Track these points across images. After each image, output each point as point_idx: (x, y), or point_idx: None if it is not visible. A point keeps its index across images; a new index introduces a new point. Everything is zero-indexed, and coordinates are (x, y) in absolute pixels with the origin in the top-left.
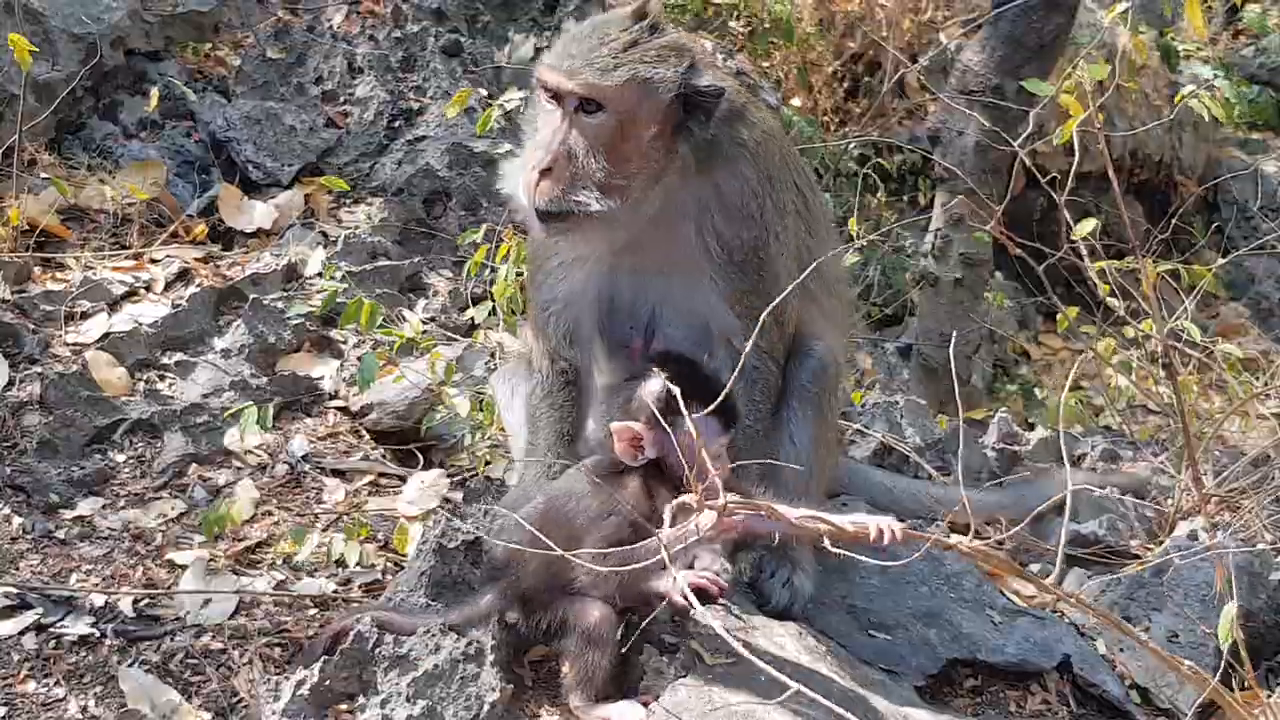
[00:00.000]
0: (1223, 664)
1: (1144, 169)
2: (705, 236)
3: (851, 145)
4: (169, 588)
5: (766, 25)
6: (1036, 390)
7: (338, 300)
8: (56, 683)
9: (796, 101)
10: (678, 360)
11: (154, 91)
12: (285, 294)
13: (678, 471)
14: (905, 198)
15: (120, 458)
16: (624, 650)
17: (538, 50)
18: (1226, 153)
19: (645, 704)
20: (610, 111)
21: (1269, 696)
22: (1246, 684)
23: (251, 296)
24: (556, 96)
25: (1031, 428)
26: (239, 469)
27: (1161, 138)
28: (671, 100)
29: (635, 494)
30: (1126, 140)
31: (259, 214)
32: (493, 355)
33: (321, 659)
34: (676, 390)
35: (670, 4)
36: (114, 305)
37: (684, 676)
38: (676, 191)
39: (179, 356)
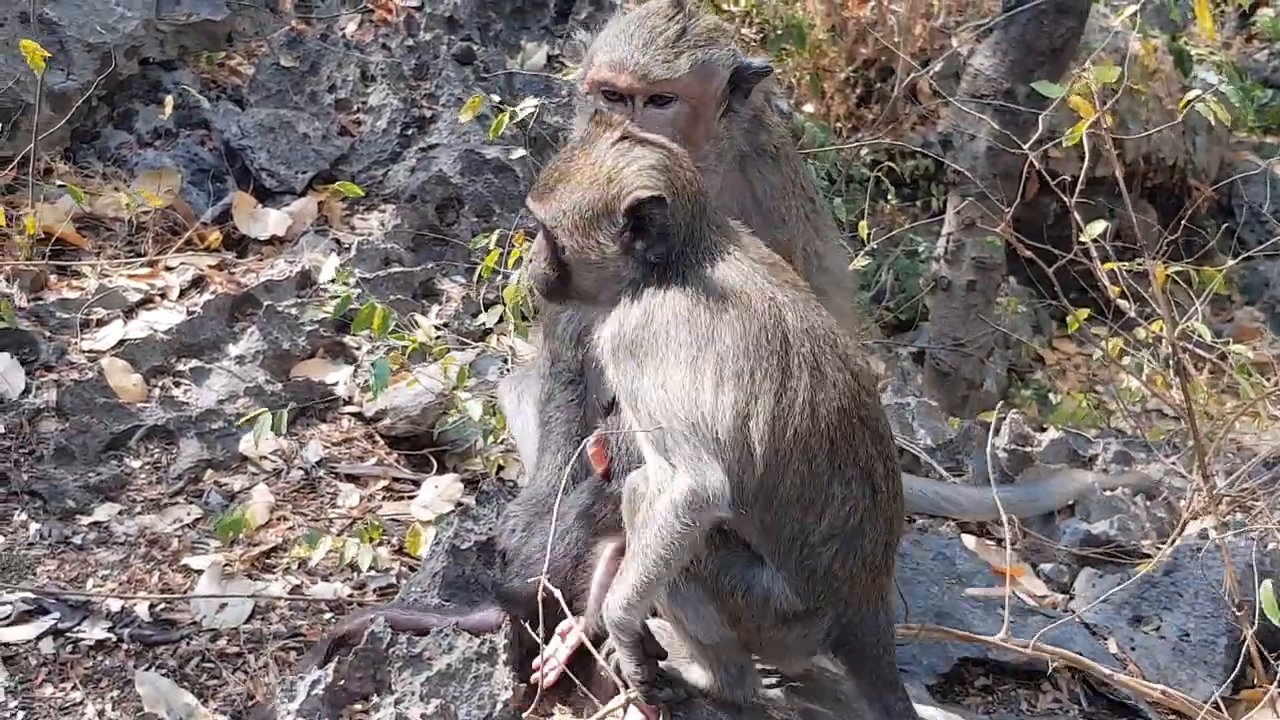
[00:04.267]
0: (1250, 637)
1: (1157, 173)
2: None
3: (864, 150)
4: (185, 592)
5: (779, 31)
6: (1051, 395)
7: (351, 306)
8: (74, 687)
9: (809, 108)
10: None
11: (168, 100)
12: (299, 300)
13: None
14: (918, 203)
15: (136, 464)
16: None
17: (550, 58)
18: (1240, 156)
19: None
20: (681, 99)
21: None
22: (1257, 682)
23: (266, 303)
24: (620, 96)
25: (1044, 431)
26: (254, 474)
27: (1175, 142)
28: (725, 81)
29: None
30: (1140, 144)
31: (273, 221)
32: (505, 360)
33: (335, 658)
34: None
35: None
36: (129, 312)
37: None
38: (719, 194)
39: (194, 363)
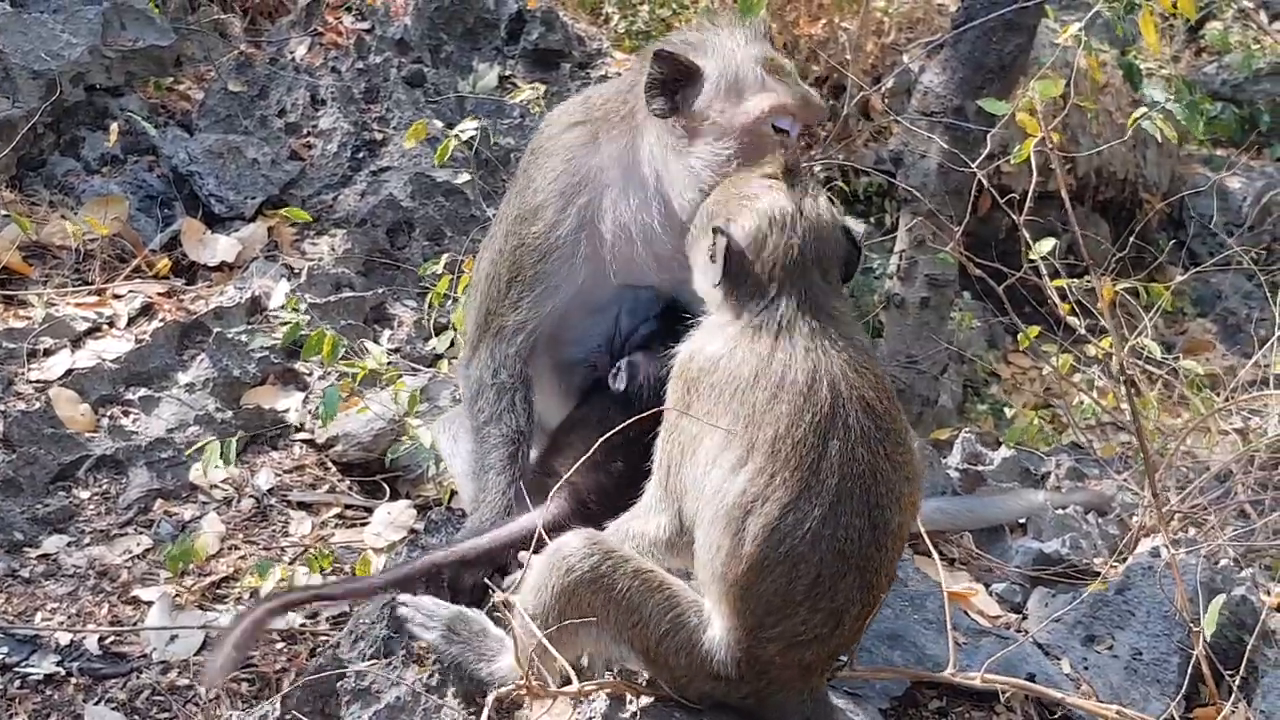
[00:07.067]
0: (1198, 654)
1: (1108, 187)
2: None
3: (816, 167)
4: (135, 624)
5: None
6: (1006, 409)
7: (301, 333)
8: None
9: None
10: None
11: (114, 126)
12: (249, 327)
13: None
14: (871, 219)
15: (85, 494)
16: None
17: (502, 79)
18: (1191, 170)
19: None
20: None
21: (1232, 711)
22: (1210, 699)
23: (215, 330)
24: (787, 128)
25: (999, 449)
26: (204, 503)
27: (1125, 156)
28: None
29: None
30: (1091, 159)
31: (222, 247)
32: (457, 386)
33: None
34: None
35: (637, 30)
36: (77, 341)
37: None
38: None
39: (143, 392)
